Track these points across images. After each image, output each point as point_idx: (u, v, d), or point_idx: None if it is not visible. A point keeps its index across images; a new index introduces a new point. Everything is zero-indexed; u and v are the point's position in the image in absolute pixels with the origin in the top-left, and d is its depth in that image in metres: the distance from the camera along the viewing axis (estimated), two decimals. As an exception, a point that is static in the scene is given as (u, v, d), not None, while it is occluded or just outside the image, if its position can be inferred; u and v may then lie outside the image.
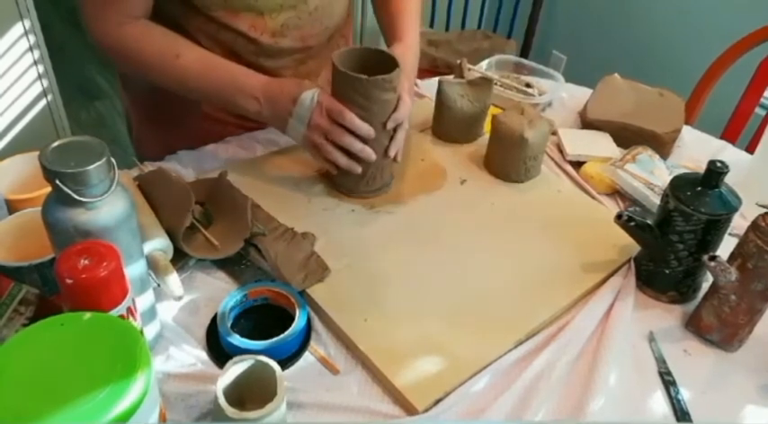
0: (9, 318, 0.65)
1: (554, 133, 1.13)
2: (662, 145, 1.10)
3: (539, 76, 1.31)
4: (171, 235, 0.78)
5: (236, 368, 0.63)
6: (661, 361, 0.78)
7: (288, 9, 0.97)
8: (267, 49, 1.00)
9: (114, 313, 0.58)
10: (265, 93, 0.90)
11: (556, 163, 1.10)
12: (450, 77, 1.12)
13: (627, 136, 1.12)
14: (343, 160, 0.90)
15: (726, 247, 0.81)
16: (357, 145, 0.89)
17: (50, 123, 2.02)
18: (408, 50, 1.01)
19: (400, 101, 0.90)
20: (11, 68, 1.84)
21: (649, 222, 0.83)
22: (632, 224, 0.83)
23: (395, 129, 0.92)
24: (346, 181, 0.96)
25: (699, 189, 0.79)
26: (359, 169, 0.91)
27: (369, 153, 0.89)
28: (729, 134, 1.56)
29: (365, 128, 0.88)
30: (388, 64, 0.88)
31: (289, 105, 0.89)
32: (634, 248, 0.88)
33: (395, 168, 1.00)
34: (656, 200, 0.95)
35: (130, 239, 0.64)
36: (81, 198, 0.58)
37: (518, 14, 2.53)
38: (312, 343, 0.76)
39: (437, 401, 0.70)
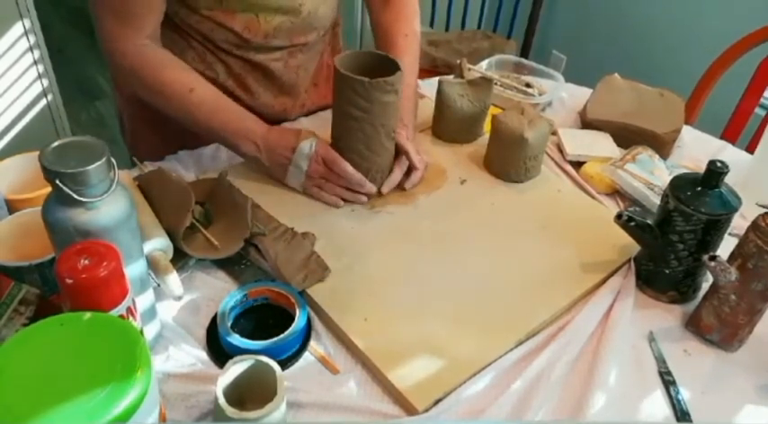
0: (9, 318, 0.65)
1: (554, 133, 1.13)
2: (662, 145, 1.10)
3: (539, 76, 1.31)
4: (171, 235, 0.78)
5: (236, 368, 0.64)
6: (661, 361, 0.78)
7: (282, 14, 0.99)
8: (257, 47, 1.02)
9: (114, 313, 0.58)
10: (265, 141, 0.94)
11: (556, 163, 1.10)
12: (451, 77, 1.12)
13: (627, 136, 1.12)
14: (347, 194, 0.95)
15: (726, 247, 0.81)
16: (347, 194, 0.95)
17: (50, 123, 2.02)
18: (407, 101, 1.03)
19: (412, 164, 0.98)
20: (11, 68, 1.84)
21: (649, 222, 0.83)
22: (632, 224, 0.83)
23: (398, 151, 0.97)
24: None
25: (699, 189, 0.79)
26: (364, 199, 0.95)
27: (360, 199, 0.95)
28: (729, 134, 1.56)
29: (356, 177, 0.93)
30: (389, 67, 0.89)
31: (287, 153, 0.94)
32: (634, 248, 0.88)
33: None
34: (656, 200, 0.95)
35: (130, 239, 0.64)
36: (81, 198, 0.58)
37: (518, 14, 2.53)
38: (312, 343, 0.76)
39: (437, 402, 0.70)
